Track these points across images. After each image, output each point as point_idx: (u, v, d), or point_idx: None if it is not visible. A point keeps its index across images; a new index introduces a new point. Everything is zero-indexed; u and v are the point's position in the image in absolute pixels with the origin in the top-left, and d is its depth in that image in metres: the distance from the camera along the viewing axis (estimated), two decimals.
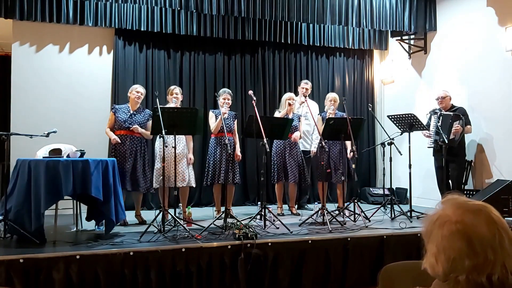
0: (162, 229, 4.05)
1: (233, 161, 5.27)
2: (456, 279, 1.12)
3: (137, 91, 4.90)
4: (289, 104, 5.47)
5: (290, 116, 5.45)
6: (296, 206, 5.87)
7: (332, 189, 6.77)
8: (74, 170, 3.72)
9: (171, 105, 4.91)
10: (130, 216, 4.81)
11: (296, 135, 5.50)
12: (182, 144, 5.04)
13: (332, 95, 5.74)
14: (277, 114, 5.56)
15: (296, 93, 6.16)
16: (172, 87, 5.15)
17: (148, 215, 4.83)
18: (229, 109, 5.26)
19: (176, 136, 4.84)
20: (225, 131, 4.74)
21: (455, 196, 1.21)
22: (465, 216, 1.14)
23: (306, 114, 5.91)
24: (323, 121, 5.34)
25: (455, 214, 1.15)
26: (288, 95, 5.68)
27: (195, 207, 5.97)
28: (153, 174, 4.98)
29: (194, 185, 5.18)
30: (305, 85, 6.04)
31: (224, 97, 5.26)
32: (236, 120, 5.45)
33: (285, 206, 5.76)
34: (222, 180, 5.08)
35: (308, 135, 6.06)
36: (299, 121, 5.63)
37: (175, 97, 4.96)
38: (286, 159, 5.48)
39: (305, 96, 5.68)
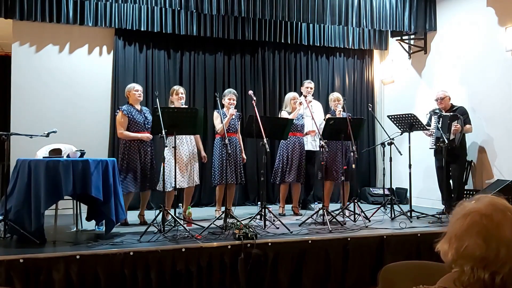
0: (162, 229, 4.05)
1: (239, 161, 5.30)
2: (462, 268, 1.13)
3: (136, 90, 4.87)
4: (300, 103, 5.46)
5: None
6: (300, 206, 5.87)
7: (334, 189, 6.75)
8: (74, 170, 3.72)
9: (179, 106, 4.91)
10: (131, 216, 4.81)
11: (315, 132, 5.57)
12: (192, 144, 5.05)
13: (335, 95, 5.70)
14: (284, 115, 5.53)
15: (299, 94, 6.14)
16: (176, 87, 5.14)
17: (148, 215, 4.82)
18: (236, 109, 5.29)
19: (184, 137, 4.87)
20: (228, 131, 4.75)
21: (494, 196, 1.23)
22: (494, 213, 1.16)
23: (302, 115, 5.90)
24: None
25: (486, 208, 1.17)
26: (292, 94, 5.67)
27: (195, 207, 5.97)
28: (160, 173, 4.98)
29: (198, 183, 5.21)
30: (309, 84, 6.01)
31: (230, 97, 5.28)
32: (240, 121, 5.47)
33: (287, 207, 5.75)
34: (229, 180, 5.07)
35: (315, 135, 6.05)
36: (303, 119, 5.62)
37: (180, 97, 4.99)
38: (294, 159, 5.47)
39: (305, 96, 5.67)
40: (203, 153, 5.19)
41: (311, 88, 5.96)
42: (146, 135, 4.71)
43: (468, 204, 1.21)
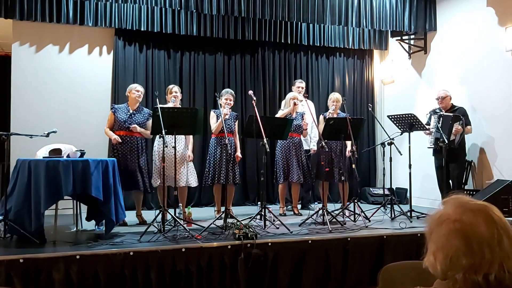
0: (162, 229, 4.05)
1: (234, 161, 5.27)
2: (454, 277, 1.12)
3: (137, 90, 4.89)
4: (295, 104, 5.46)
5: (294, 115, 5.46)
6: (299, 206, 5.87)
7: (333, 189, 6.76)
8: (74, 170, 3.72)
9: (169, 104, 4.92)
10: (130, 216, 4.81)
11: (307, 122, 5.55)
12: (183, 144, 5.04)
13: (334, 96, 5.67)
14: (279, 112, 5.55)
15: None
16: (170, 86, 5.15)
17: (148, 215, 4.83)
18: (230, 110, 5.27)
19: (177, 136, 4.86)
20: (226, 131, 4.74)
21: (457, 196, 1.21)
22: (464, 215, 1.14)
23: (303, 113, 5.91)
24: (325, 121, 5.35)
25: (455, 212, 1.16)
26: (292, 94, 5.67)
27: (195, 207, 5.97)
28: (152, 173, 4.97)
29: (196, 185, 5.18)
30: (301, 84, 6.06)
31: (226, 97, 5.26)
32: (237, 121, 5.46)
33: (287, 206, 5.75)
34: (222, 180, 5.08)
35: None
36: (303, 119, 5.62)
37: (174, 96, 4.97)
38: (291, 159, 5.47)
39: (306, 96, 5.68)
40: (188, 152, 5.09)
41: (302, 88, 5.99)
42: (114, 137, 4.69)
43: (439, 211, 1.20)
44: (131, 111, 4.85)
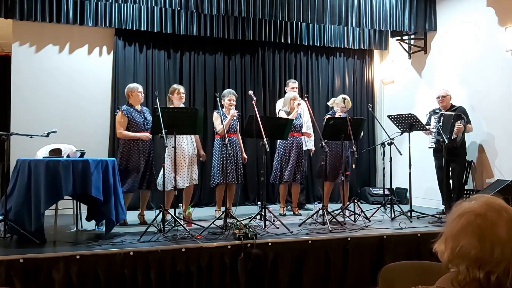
0: (162, 229, 4.05)
1: (238, 161, 5.29)
2: (457, 267, 1.13)
3: (140, 91, 4.87)
4: (298, 104, 5.45)
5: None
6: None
7: (333, 189, 6.75)
8: (74, 170, 3.72)
9: (180, 106, 4.90)
10: (131, 216, 4.81)
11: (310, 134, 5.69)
12: (193, 145, 5.05)
13: (345, 103, 5.49)
14: (282, 114, 5.53)
15: (284, 94, 6.12)
16: (177, 86, 5.09)
17: (148, 215, 4.82)
18: (237, 110, 5.30)
19: (186, 136, 4.87)
20: (228, 131, 4.75)
21: (490, 196, 1.23)
22: (489, 212, 1.15)
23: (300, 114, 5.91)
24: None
25: (480, 207, 1.17)
26: (293, 94, 5.66)
27: (195, 207, 5.97)
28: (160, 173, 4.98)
29: (197, 182, 5.20)
30: (294, 84, 6.05)
31: (230, 98, 5.28)
32: (239, 121, 5.48)
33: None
34: (230, 180, 5.08)
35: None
36: (301, 119, 5.62)
37: (182, 97, 4.98)
38: (292, 159, 5.47)
39: (306, 96, 5.67)
40: (202, 152, 5.22)
41: (296, 88, 5.99)
42: (145, 135, 4.71)
43: (465, 204, 1.21)
44: (140, 113, 4.84)
